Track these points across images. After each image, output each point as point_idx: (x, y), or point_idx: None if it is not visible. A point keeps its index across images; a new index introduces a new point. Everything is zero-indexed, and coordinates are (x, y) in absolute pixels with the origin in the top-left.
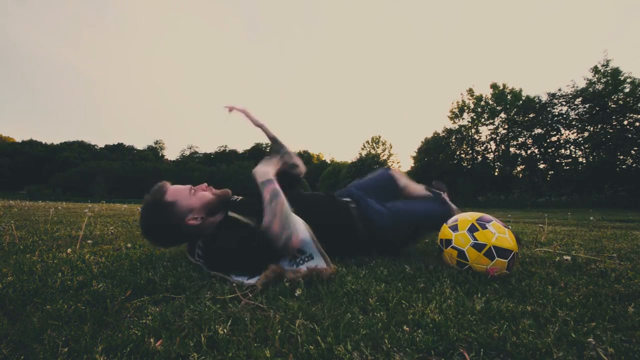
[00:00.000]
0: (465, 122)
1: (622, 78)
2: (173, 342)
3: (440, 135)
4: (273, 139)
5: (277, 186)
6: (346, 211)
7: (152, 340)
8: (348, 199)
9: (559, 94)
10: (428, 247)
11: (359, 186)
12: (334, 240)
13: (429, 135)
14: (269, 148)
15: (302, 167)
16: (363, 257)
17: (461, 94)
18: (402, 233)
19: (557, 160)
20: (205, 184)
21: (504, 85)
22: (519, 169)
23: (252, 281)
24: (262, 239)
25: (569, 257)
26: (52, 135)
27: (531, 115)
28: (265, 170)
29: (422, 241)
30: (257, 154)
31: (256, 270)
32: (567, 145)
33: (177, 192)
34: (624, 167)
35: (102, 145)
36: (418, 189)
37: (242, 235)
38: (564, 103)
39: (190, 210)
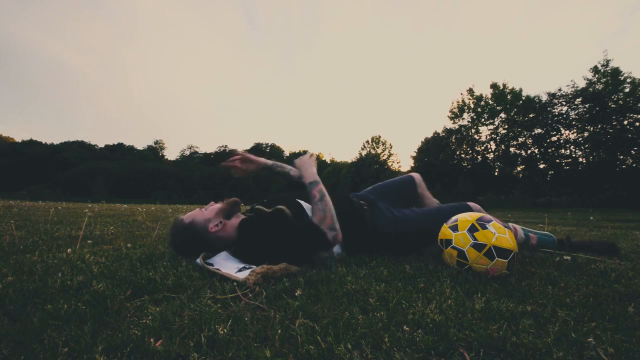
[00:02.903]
0: (465, 122)
1: (622, 78)
2: (173, 342)
3: (440, 135)
4: (274, 165)
5: (323, 187)
6: (361, 211)
7: (152, 340)
8: (362, 202)
9: (559, 94)
10: (428, 247)
11: (375, 190)
12: (348, 237)
13: (429, 135)
14: (274, 172)
15: (298, 165)
16: (368, 255)
17: (461, 94)
18: (404, 241)
19: (557, 160)
20: (213, 202)
21: (504, 85)
22: (519, 169)
23: (240, 275)
24: (313, 232)
25: (569, 257)
26: (52, 135)
27: (531, 115)
28: (313, 171)
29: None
30: (257, 154)
31: (297, 259)
32: (567, 145)
33: (191, 214)
34: (624, 167)
35: (102, 145)
36: (433, 201)
37: (293, 225)
38: (564, 103)
39: (208, 220)
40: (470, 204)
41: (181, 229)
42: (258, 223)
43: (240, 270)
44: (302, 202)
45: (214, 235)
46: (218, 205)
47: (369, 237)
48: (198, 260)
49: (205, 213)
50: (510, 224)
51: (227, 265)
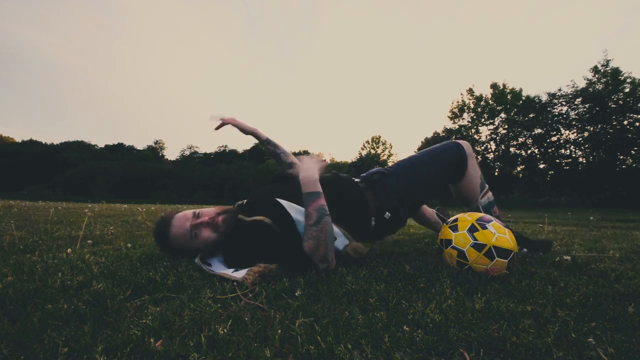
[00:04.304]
0: (465, 122)
1: (622, 78)
2: (173, 342)
3: (440, 135)
4: (267, 141)
5: (324, 202)
6: (354, 186)
7: (152, 340)
8: (359, 182)
9: (559, 94)
10: (428, 247)
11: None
12: (347, 220)
13: (429, 135)
14: (264, 150)
15: (298, 165)
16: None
17: (461, 93)
18: (407, 180)
19: (557, 160)
20: (206, 218)
21: (504, 85)
22: (519, 169)
23: (237, 275)
24: (301, 258)
25: (569, 257)
26: (52, 135)
27: (531, 115)
28: (314, 178)
29: (423, 242)
30: (257, 154)
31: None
32: (567, 145)
33: (177, 238)
34: (624, 167)
35: (102, 145)
36: (428, 210)
37: (276, 241)
38: (564, 103)
39: (196, 250)
40: (461, 142)
41: (166, 247)
42: (238, 234)
43: (237, 270)
44: (282, 202)
45: (202, 252)
46: (212, 238)
47: (369, 207)
48: (196, 260)
49: (196, 244)
50: (486, 185)
51: (224, 266)
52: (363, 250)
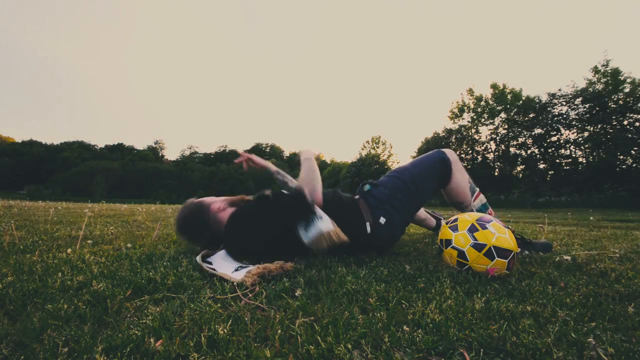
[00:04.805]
0: (465, 122)
1: (622, 78)
2: (173, 342)
3: (440, 135)
4: (276, 172)
5: (313, 159)
6: (348, 197)
7: (152, 340)
8: (355, 195)
9: (559, 94)
10: (428, 247)
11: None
12: (343, 228)
13: (429, 135)
14: (274, 179)
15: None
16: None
17: (461, 94)
18: (395, 187)
19: (557, 160)
20: (226, 198)
21: (504, 85)
22: (519, 169)
23: (237, 276)
24: (289, 195)
25: (569, 257)
26: (52, 135)
27: (531, 115)
28: (309, 154)
29: (423, 242)
30: (257, 154)
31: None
32: (567, 145)
33: (205, 200)
34: (624, 167)
35: (102, 145)
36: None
37: (270, 200)
38: (564, 103)
39: (215, 201)
40: (445, 149)
41: (189, 204)
42: (243, 209)
43: (236, 270)
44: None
45: (214, 216)
46: (228, 198)
47: (365, 225)
48: (198, 259)
49: (215, 199)
50: (477, 189)
51: (224, 265)
52: (344, 237)
